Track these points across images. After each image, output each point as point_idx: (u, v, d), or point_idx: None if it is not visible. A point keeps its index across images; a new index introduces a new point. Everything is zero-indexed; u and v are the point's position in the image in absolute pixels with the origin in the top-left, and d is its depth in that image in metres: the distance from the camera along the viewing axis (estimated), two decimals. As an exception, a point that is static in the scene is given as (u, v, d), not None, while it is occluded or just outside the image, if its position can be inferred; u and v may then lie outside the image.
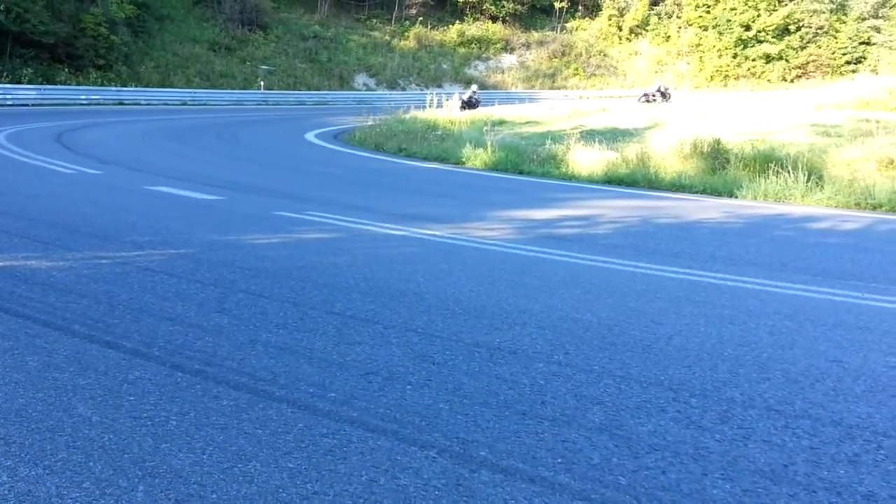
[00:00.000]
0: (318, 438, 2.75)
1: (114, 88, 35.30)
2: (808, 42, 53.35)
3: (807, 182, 10.64)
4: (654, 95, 35.40)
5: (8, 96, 30.18)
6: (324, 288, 4.85)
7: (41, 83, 32.74)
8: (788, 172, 10.85)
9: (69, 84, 34.13)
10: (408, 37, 52.69)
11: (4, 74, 31.46)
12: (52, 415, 2.87)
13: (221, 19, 45.61)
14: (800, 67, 53.47)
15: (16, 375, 3.23)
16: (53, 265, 5.16)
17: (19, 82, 31.71)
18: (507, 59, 55.01)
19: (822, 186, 10.60)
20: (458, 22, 54.86)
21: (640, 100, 35.23)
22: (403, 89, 47.94)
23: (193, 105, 36.42)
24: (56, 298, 4.38)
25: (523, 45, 56.15)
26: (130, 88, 36.13)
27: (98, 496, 2.33)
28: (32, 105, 30.10)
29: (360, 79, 48.89)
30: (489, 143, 14.93)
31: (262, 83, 42.25)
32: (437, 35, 53.72)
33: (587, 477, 2.53)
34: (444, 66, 52.37)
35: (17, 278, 4.77)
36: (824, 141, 15.33)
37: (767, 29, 52.71)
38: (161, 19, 43.43)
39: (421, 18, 53.58)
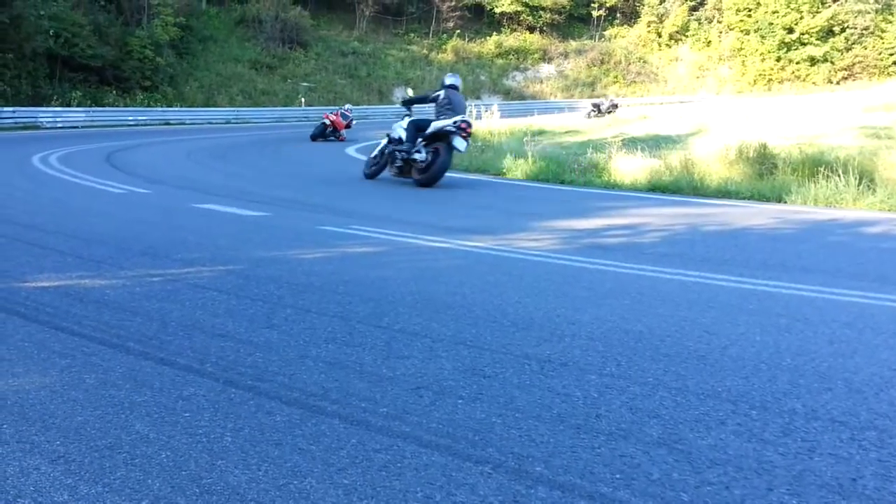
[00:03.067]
0: (371, 454, 2.74)
1: (160, 109, 36.15)
2: (853, 43, 52.28)
3: (858, 186, 10.38)
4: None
5: (58, 119, 31.07)
6: (370, 302, 4.85)
7: (90, 105, 33.69)
8: (839, 176, 10.60)
9: (117, 106, 35.06)
10: (445, 50, 52.99)
11: (54, 98, 32.44)
12: (110, 432, 2.91)
13: (262, 38, 46.44)
14: (846, 69, 52.41)
15: (73, 393, 3.28)
16: (106, 283, 5.26)
17: (69, 105, 32.67)
18: (546, 69, 54.93)
19: (874, 190, 10.33)
20: (495, 33, 55.02)
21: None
22: (442, 102, 48.07)
23: (237, 123, 37.09)
24: (110, 316, 4.45)
25: (561, 54, 56.03)
26: (176, 108, 36.96)
27: (157, 513, 2.34)
28: (82, 127, 30.94)
29: (399, 92, 49.27)
30: (529, 154, 14.87)
31: (302, 99, 42.84)
32: (474, 47, 53.93)
33: (647, 493, 2.47)
34: (483, 78, 52.53)
35: (71, 297, 4.87)
36: (874, 143, 14.96)
37: (811, 31, 51.80)
38: (204, 40, 44.38)
39: (458, 31, 53.85)
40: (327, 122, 21.37)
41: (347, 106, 19.83)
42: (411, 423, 3.01)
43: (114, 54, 35.36)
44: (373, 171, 12.73)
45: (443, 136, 11.46)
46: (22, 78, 32.20)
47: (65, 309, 4.60)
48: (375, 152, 12.91)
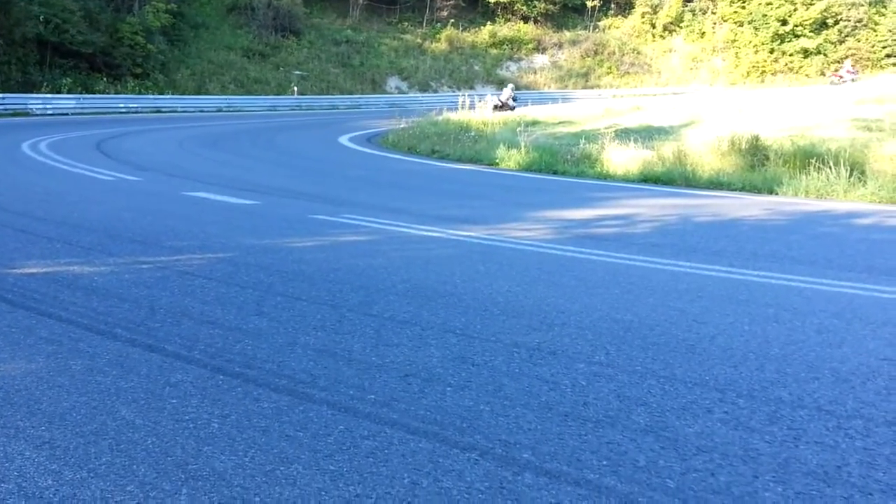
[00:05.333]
0: (359, 441, 2.73)
1: (151, 96, 35.89)
2: (846, 36, 52.30)
3: (849, 177, 10.41)
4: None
5: (48, 106, 30.84)
6: (361, 290, 4.84)
7: (80, 92, 33.42)
8: (830, 168, 10.62)
9: (107, 93, 34.77)
10: (439, 39, 52.74)
11: (45, 84, 32.16)
12: (96, 418, 2.89)
13: (255, 26, 46.11)
14: (839, 62, 52.40)
15: (60, 379, 3.27)
16: (95, 270, 5.23)
17: (59, 92, 32.39)
18: (540, 59, 54.78)
19: (864, 182, 10.36)
20: (489, 23, 54.76)
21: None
22: (435, 91, 48.02)
23: (229, 111, 36.90)
24: (98, 303, 4.43)
25: (555, 44, 55.87)
26: (167, 96, 36.72)
27: (142, 499, 2.33)
28: (72, 114, 30.72)
29: (393, 82, 49.09)
30: (523, 144, 14.85)
31: (295, 88, 42.63)
32: (468, 37, 53.70)
33: (634, 480, 2.48)
34: (476, 68, 52.36)
35: (60, 283, 4.84)
36: (866, 135, 14.97)
37: (804, 23, 51.77)
38: (196, 27, 44.06)
39: (452, 20, 53.59)
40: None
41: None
42: (399, 410, 3.00)
43: (104, 41, 35.04)
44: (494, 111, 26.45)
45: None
46: (11, 64, 31.91)
47: (52, 295, 4.58)
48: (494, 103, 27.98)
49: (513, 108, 29.55)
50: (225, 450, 2.65)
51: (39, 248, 5.95)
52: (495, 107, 29.46)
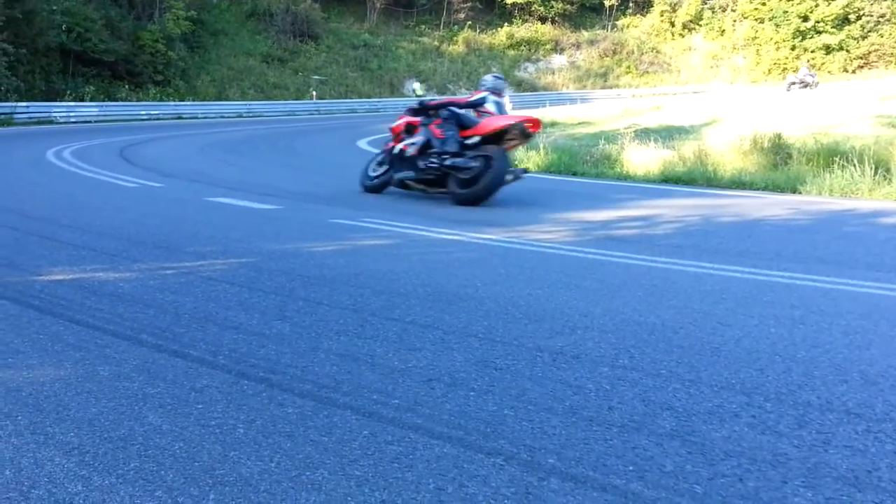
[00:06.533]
0: (383, 446, 2.74)
1: (172, 103, 36.26)
2: (869, 31, 51.70)
3: (874, 175, 10.29)
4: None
5: (72, 114, 31.25)
6: (382, 294, 4.85)
7: (103, 100, 33.85)
8: (854, 166, 10.50)
9: (129, 100, 35.20)
10: (456, 41, 52.83)
11: (68, 93, 32.61)
12: (124, 424, 2.92)
13: (273, 32, 46.46)
14: (862, 58, 51.84)
15: (88, 385, 3.30)
16: (120, 276, 5.28)
17: (82, 100, 32.83)
18: (558, 60, 54.70)
19: (890, 180, 10.23)
20: (506, 24, 54.78)
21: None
22: (454, 94, 48.05)
23: (249, 117, 37.16)
24: (124, 309, 4.47)
25: (573, 44, 55.75)
26: (188, 103, 37.08)
27: (170, 505, 2.35)
28: (95, 121, 31.10)
29: (411, 85, 49.18)
30: (542, 145, 14.83)
31: (314, 93, 42.88)
32: (485, 38, 53.75)
33: (660, 485, 2.46)
34: (494, 69, 52.34)
35: (86, 290, 4.90)
36: (891, 133, 14.80)
37: (826, 19, 51.24)
38: (216, 34, 44.47)
39: (469, 22, 53.66)
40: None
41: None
42: (423, 414, 3.00)
43: (126, 49, 35.50)
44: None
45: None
46: (35, 73, 32.38)
47: (79, 301, 4.63)
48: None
49: (814, 84, 31.09)
50: (251, 455, 2.66)
51: (65, 255, 6.02)
52: (791, 84, 31.49)
